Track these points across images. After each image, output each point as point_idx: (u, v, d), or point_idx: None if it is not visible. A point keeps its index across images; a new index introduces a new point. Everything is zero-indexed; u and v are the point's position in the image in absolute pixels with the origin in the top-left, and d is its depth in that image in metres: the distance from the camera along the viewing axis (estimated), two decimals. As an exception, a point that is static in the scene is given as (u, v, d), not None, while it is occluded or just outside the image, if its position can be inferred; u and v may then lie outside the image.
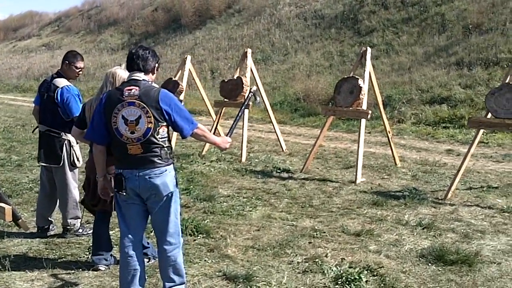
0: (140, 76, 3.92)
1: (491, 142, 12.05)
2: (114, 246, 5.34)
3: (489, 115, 7.60)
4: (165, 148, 3.91)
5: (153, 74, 4.05)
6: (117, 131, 3.87)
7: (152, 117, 3.81)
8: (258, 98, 4.92)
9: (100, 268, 4.92)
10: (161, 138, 3.88)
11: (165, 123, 3.87)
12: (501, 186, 8.34)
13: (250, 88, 4.92)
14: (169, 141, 3.98)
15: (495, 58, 16.04)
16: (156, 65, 4.05)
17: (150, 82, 3.96)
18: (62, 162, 5.72)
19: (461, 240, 5.78)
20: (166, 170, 3.91)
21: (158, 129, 3.85)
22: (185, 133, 3.91)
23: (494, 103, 7.36)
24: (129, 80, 3.94)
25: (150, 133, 3.83)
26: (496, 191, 8.05)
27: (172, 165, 3.98)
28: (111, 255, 5.06)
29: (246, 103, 4.69)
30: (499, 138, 12.24)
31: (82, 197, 5.25)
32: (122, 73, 4.63)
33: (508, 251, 5.45)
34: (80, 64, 5.83)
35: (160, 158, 3.88)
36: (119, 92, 3.88)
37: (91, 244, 5.13)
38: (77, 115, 5.28)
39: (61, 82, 5.68)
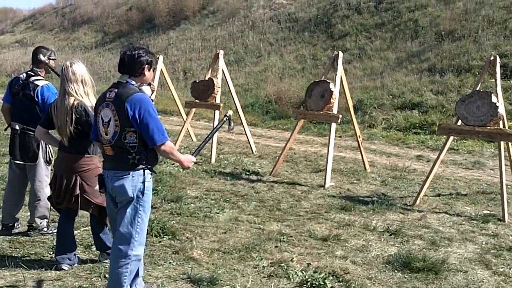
0: (124, 78, 3.91)
1: (461, 149, 12.14)
2: (79, 246, 5.23)
3: (459, 122, 7.62)
4: (133, 154, 3.83)
5: (143, 76, 3.97)
6: (98, 130, 3.98)
7: (119, 121, 3.79)
8: (232, 124, 4.84)
9: (64, 267, 4.81)
10: (129, 143, 3.81)
11: (133, 129, 3.79)
12: (470, 194, 8.38)
13: (226, 113, 4.83)
14: (144, 147, 3.85)
15: (467, 65, 16.20)
16: (146, 66, 3.94)
17: (136, 85, 3.91)
18: (37, 160, 5.68)
19: (428, 247, 5.76)
20: (129, 175, 3.85)
21: (125, 134, 3.80)
22: (153, 142, 3.80)
23: (465, 110, 7.39)
24: (115, 82, 3.97)
25: (117, 137, 3.82)
26: (465, 198, 8.09)
27: (140, 171, 3.88)
28: (74, 254, 4.95)
29: (219, 126, 4.60)
30: (469, 145, 12.35)
31: (49, 194, 5.18)
32: (75, 65, 4.67)
33: (475, 260, 5.44)
34: (54, 55, 5.90)
35: (127, 162, 3.84)
36: (106, 93, 3.93)
37: (55, 243, 5.02)
38: None
39: (40, 81, 5.67)
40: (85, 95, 4.68)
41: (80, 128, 4.60)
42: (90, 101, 4.66)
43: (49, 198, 5.15)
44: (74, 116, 4.57)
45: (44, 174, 5.74)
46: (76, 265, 4.89)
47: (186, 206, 7.05)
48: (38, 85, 5.59)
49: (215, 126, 4.56)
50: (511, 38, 16.65)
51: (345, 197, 7.92)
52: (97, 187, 4.58)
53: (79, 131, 4.62)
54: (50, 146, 5.72)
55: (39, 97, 5.55)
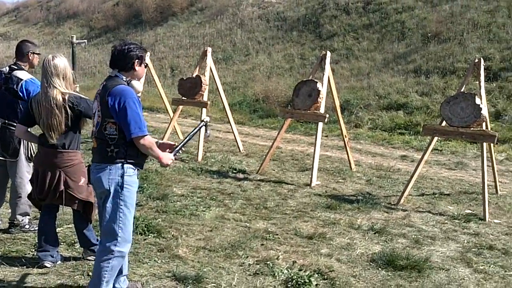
0: (114, 73, 3.92)
1: (444, 149, 12.29)
2: (62, 243, 5.21)
3: (444, 123, 7.72)
4: (112, 146, 3.79)
5: (133, 71, 3.94)
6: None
7: (101, 112, 3.81)
8: (208, 131, 4.79)
9: (46, 265, 4.75)
10: (109, 135, 3.79)
11: (113, 120, 3.77)
12: (453, 194, 8.49)
13: (203, 119, 4.80)
14: (124, 140, 3.80)
15: (452, 67, 16.38)
16: (136, 61, 3.91)
17: (124, 79, 3.90)
18: (18, 156, 5.57)
19: (412, 246, 5.84)
20: (107, 168, 3.81)
21: (105, 125, 3.79)
22: (130, 134, 3.74)
23: (449, 112, 7.48)
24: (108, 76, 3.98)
25: (99, 128, 3.82)
26: (448, 198, 8.20)
27: (119, 165, 3.81)
28: (57, 252, 4.90)
29: (195, 132, 4.54)
30: (452, 146, 12.49)
31: (30, 191, 5.08)
32: (58, 59, 4.58)
33: (457, 258, 5.53)
34: (38, 50, 5.79)
35: (105, 155, 3.81)
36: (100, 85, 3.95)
37: (37, 241, 4.96)
38: None
39: (24, 75, 5.53)
40: (65, 89, 4.58)
41: (75, 118, 4.53)
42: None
43: (29, 196, 5.06)
44: (68, 108, 4.47)
45: (26, 171, 5.62)
46: (59, 262, 4.85)
47: (172, 204, 7.05)
48: (22, 79, 5.45)
49: (191, 131, 4.52)
50: (494, 42, 16.85)
51: (331, 195, 7.99)
52: (81, 182, 4.62)
53: (71, 125, 4.56)
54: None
55: (24, 91, 5.42)
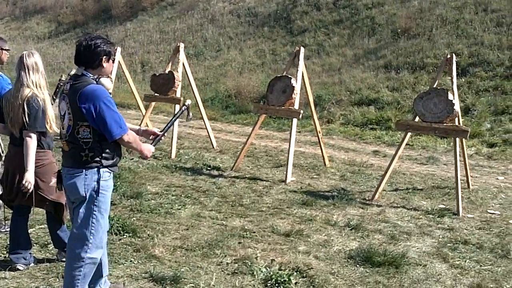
0: (80, 71, 3.73)
1: (415, 144, 12.42)
2: (35, 245, 5.11)
3: (417, 119, 7.79)
4: (87, 151, 3.65)
5: (101, 68, 3.76)
6: (60, 124, 3.83)
7: (72, 115, 3.64)
8: (191, 114, 4.74)
9: (19, 267, 4.65)
10: (82, 138, 3.65)
11: (86, 123, 3.62)
12: (426, 188, 8.59)
13: (185, 102, 4.74)
14: (98, 144, 3.68)
15: (422, 63, 16.55)
16: (104, 57, 3.73)
17: (93, 77, 3.73)
18: None
19: (388, 242, 5.89)
20: (81, 173, 3.68)
21: (78, 128, 3.64)
22: (111, 136, 3.64)
23: (422, 107, 7.55)
24: (73, 74, 3.81)
25: (71, 131, 3.67)
26: (421, 193, 8.29)
27: (95, 169, 3.70)
28: (30, 254, 4.81)
29: (178, 116, 4.49)
30: (423, 140, 12.63)
31: (0, 192, 4.98)
32: (31, 56, 4.50)
33: (433, 253, 5.59)
34: (7, 46, 5.58)
35: (79, 159, 3.67)
36: (66, 84, 3.78)
37: (9, 242, 4.85)
38: None
39: None
40: (40, 87, 4.50)
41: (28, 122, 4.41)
42: (43, 94, 4.50)
43: (0, 196, 4.96)
44: (25, 108, 4.38)
45: None
46: (32, 264, 4.75)
47: (146, 202, 6.97)
48: None
49: (174, 115, 4.45)
50: (463, 37, 17.08)
51: (306, 192, 8.00)
52: (52, 182, 4.48)
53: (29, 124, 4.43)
54: (0, 141, 5.52)
55: None
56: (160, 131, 4.19)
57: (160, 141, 4.20)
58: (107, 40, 3.83)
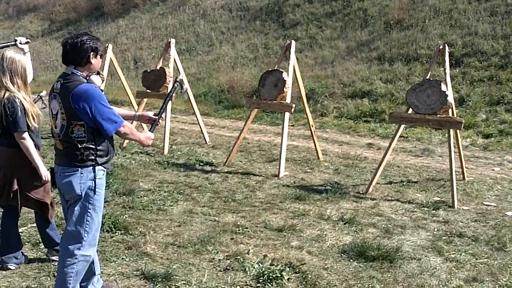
0: (69, 70, 3.71)
1: (410, 136, 12.37)
2: (26, 243, 5.06)
3: (410, 111, 7.73)
4: (82, 149, 3.65)
5: (89, 65, 3.74)
6: (50, 123, 3.83)
7: (65, 115, 3.63)
8: (184, 87, 4.66)
9: (10, 267, 4.63)
10: (77, 138, 3.64)
11: (80, 122, 3.61)
12: (420, 181, 8.53)
13: (176, 77, 4.67)
14: (93, 142, 3.68)
15: (415, 54, 16.48)
16: (91, 53, 3.70)
17: (81, 75, 3.70)
18: None
19: (382, 236, 5.83)
20: (77, 172, 3.68)
21: (72, 128, 3.63)
22: (107, 133, 3.67)
23: (415, 99, 7.49)
24: (62, 73, 3.77)
25: (65, 131, 3.66)
26: (416, 185, 8.23)
27: (90, 168, 3.70)
28: (21, 253, 4.77)
29: (171, 94, 4.43)
30: (418, 132, 12.59)
31: None
32: (10, 54, 4.42)
33: (427, 247, 5.53)
34: None
35: (75, 158, 3.67)
36: (54, 83, 3.76)
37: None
38: None
39: None
40: (19, 87, 4.43)
41: (7, 124, 4.39)
42: (21, 95, 4.42)
43: None
44: (5, 110, 4.35)
45: None
46: (23, 264, 4.72)
47: (138, 199, 6.93)
48: None
49: (167, 95, 4.41)
50: (456, 28, 17.02)
51: (299, 186, 7.94)
52: (36, 182, 4.49)
53: (7, 125, 4.40)
54: None
55: None
56: (155, 115, 4.18)
57: (158, 125, 4.16)
58: (92, 35, 3.79)
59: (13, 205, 4.64)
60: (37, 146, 4.58)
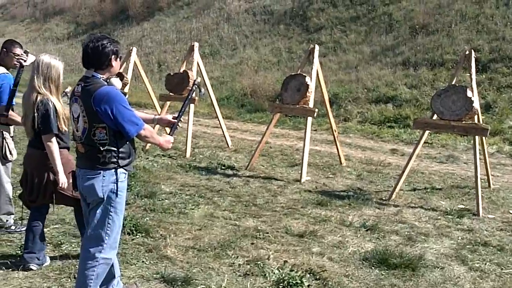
0: (90, 73, 3.71)
1: (435, 142, 12.22)
2: (48, 244, 5.09)
3: (435, 116, 7.62)
4: (104, 152, 3.65)
5: (110, 68, 3.75)
6: (72, 126, 3.85)
7: (87, 118, 3.64)
8: (202, 90, 4.68)
9: (32, 267, 4.65)
10: (98, 140, 3.64)
11: (102, 125, 3.62)
12: (445, 188, 8.40)
13: (194, 80, 4.67)
14: (115, 144, 3.68)
15: (441, 59, 16.31)
16: (112, 57, 3.72)
17: (101, 78, 3.71)
18: None
19: (405, 243, 5.74)
20: (100, 174, 3.68)
21: (94, 131, 3.64)
22: (129, 135, 3.67)
23: (440, 105, 7.39)
24: (83, 76, 3.78)
25: (87, 133, 3.67)
26: (440, 192, 8.10)
27: (113, 171, 3.70)
28: (44, 254, 4.79)
29: (189, 97, 4.43)
30: (443, 138, 12.42)
31: (21, 192, 4.98)
32: (46, 59, 4.50)
33: (451, 255, 5.43)
34: (17, 51, 5.54)
35: (97, 161, 3.67)
36: (75, 86, 3.78)
37: (23, 242, 4.85)
38: (4, 104, 5.26)
39: None
40: (51, 90, 4.51)
41: (39, 126, 4.46)
42: (54, 99, 4.51)
43: (20, 196, 4.95)
44: (37, 112, 4.43)
45: (2, 170, 5.52)
46: (45, 264, 4.74)
47: (160, 202, 6.93)
48: None
49: (185, 98, 4.40)
50: (483, 33, 16.80)
51: (321, 191, 7.87)
52: (71, 180, 4.46)
53: (41, 127, 4.47)
54: (9, 142, 5.50)
55: None
56: (174, 118, 4.18)
57: (177, 128, 4.17)
58: (112, 39, 3.82)
59: (43, 205, 4.73)
60: (67, 148, 4.68)
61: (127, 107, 3.64)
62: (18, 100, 5.08)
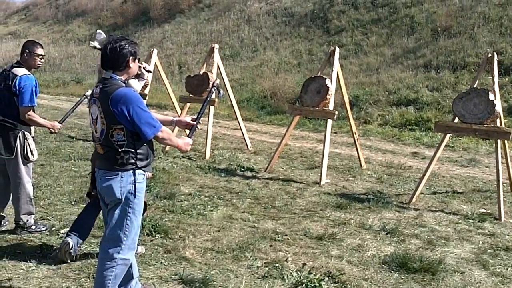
0: (108, 74, 3.75)
1: (456, 146, 12.09)
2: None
3: (456, 120, 7.55)
4: (122, 153, 3.68)
5: (128, 69, 3.79)
6: (91, 128, 3.90)
7: (105, 119, 3.67)
8: (221, 91, 4.70)
9: (69, 241, 4.79)
10: (116, 141, 3.67)
11: (120, 126, 3.64)
12: (466, 192, 8.30)
13: (213, 82, 4.68)
14: (133, 146, 3.70)
15: (463, 62, 16.15)
16: (130, 58, 3.76)
17: (120, 79, 3.74)
18: (14, 154, 5.47)
19: (425, 247, 5.67)
20: (118, 175, 3.70)
21: (112, 132, 3.66)
22: (146, 137, 3.69)
23: (462, 108, 7.31)
24: (101, 78, 3.82)
25: (105, 135, 3.70)
26: (461, 196, 8.01)
27: (131, 172, 3.72)
28: (79, 245, 4.92)
29: (208, 98, 4.45)
30: (464, 142, 12.29)
31: (88, 190, 5.16)
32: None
33: (472, 260, 5.36)
34: (40, 51, 5.60)
35: (115, 162, 3.69)
36: (94, 88, 3.82)
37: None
38: (26, 105, 5.33)
39: (20, 71, 5.45)
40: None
41: None
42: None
43: (89, 195, 5.08)
44: None
45: (24, 170, 5.55)
46: (77, 252, 4.86)
47: (179, 203, 6.95)
48: (17, 75, 5.39)
49: (204, 99, 4.42)
50: (506, 36, 16.60)
51: (341, 194, 7.83)
52: None
53: None
54: (30, 142, 5.54)
55: (16, 86, 5.35)
56: (193, 120, 4.20)
57: (196, 130, 4.19)
58: (130, 40, 3.84)
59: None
60: None
61: (144, 109, 3.66)
62: (39, 101, 5.13)
